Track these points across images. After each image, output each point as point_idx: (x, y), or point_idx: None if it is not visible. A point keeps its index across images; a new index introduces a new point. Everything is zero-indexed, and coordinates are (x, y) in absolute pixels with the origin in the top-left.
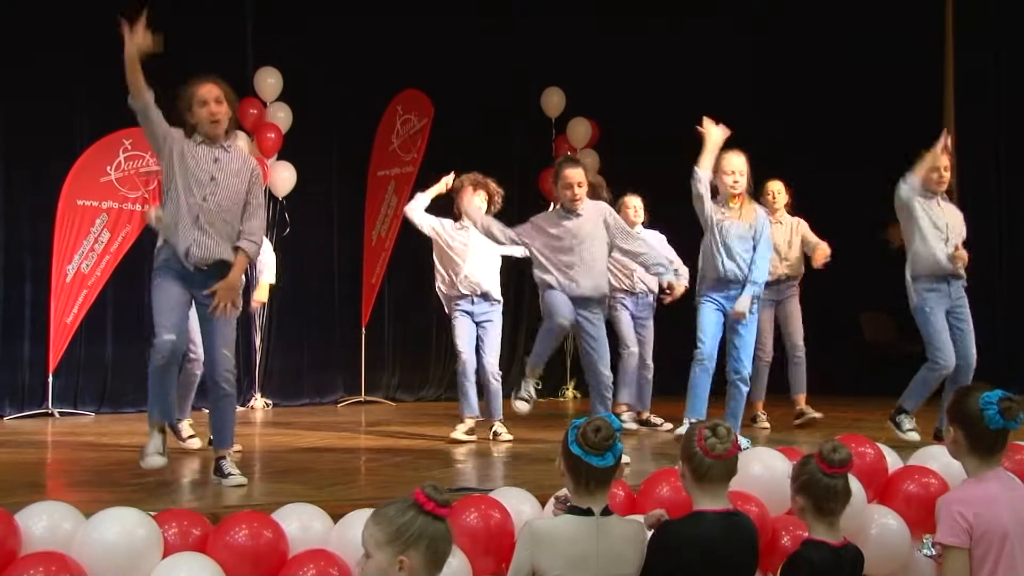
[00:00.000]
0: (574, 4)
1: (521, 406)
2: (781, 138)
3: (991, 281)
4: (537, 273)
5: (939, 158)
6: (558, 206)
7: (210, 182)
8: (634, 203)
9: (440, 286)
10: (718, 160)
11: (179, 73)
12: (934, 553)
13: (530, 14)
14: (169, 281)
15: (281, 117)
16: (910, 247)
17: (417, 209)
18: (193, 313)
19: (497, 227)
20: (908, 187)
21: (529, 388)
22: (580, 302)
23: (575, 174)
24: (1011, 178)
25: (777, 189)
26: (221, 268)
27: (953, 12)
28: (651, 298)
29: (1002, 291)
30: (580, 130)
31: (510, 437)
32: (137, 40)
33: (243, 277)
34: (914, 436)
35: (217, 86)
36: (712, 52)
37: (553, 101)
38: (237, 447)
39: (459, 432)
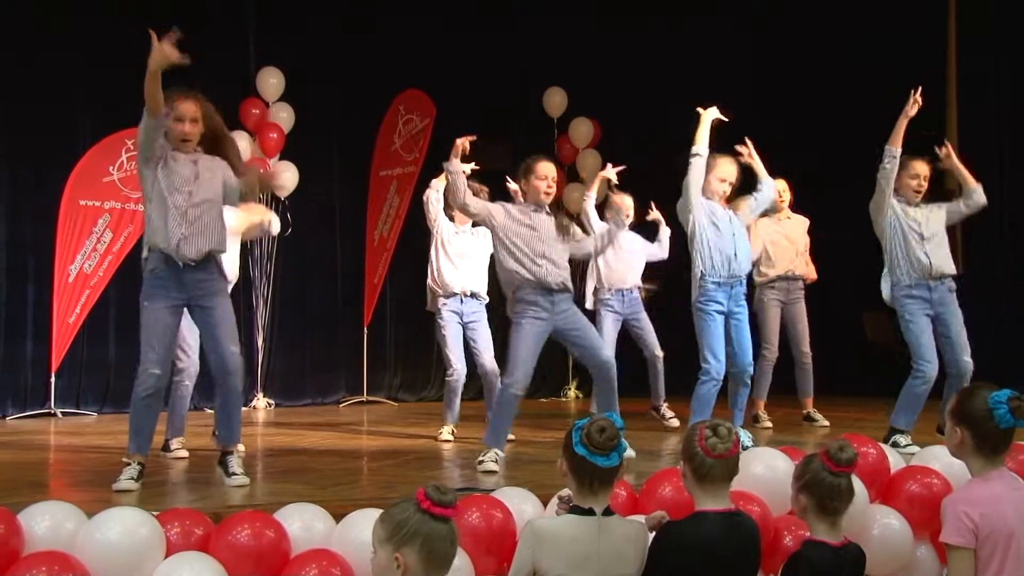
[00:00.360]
0: (575, 4)
1: (490, 467)
2: (781, 138)
3: (994, 282)
4: (508, 266)
5: (920, 164)
6: (524, 201)
7: (195, 180)
8: (626, 203)
9: (430, 282)
10: (714, 163)
11: (180, 73)
12: None
13: (530, 14)
14: (159, 302)
15: (283, 117)
16: (887, 248)
17: (438, 200)
18: (184, 319)
19: (473, 203)
20: (890, 157)
21: (495, 458)
22: (552, 296)
23: (549, 168)
24: (1014, 177)
25: (782, 188)
26: (210, 261)
27: (956, 13)
28: (636, 292)
29: (1005, 291)
30: (582, 130)
31: (512, 436)
32: (163, 53)
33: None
34: (914, 449)
35: (196, 104)
36: (712, 52)
37: (555, 101)
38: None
39: (445, 433)
